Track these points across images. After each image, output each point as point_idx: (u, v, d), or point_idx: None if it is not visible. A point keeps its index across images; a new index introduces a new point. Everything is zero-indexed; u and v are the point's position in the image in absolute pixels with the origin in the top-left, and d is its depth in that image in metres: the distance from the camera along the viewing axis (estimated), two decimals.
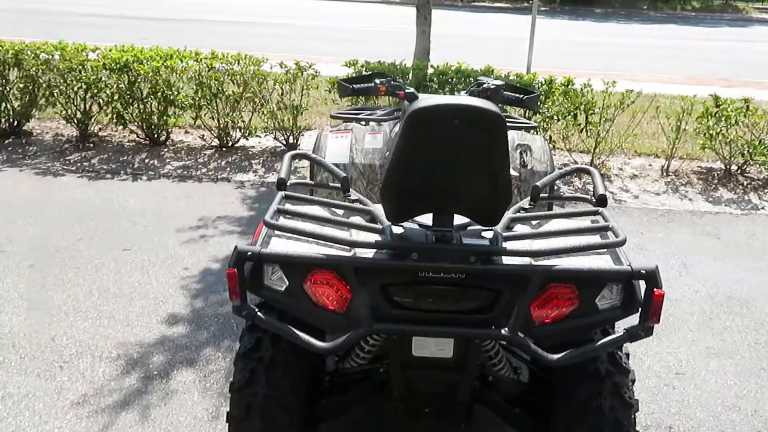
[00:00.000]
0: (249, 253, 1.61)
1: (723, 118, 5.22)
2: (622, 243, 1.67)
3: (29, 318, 3.00)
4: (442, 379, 1.84)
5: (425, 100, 1.50)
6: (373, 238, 1.69)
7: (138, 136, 5.75)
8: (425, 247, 1.61)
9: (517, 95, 2.66)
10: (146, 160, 5.40)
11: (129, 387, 2.54)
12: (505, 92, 2.66)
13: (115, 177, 5.01)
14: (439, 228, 1.66)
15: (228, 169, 5.31)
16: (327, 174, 2.62)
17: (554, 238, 1.74)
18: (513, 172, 2.74)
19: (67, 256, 3.61)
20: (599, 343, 1.63)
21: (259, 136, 5.66)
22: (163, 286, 3.35)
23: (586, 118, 5.29)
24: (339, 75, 5.77)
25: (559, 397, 1.81)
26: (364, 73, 5.40)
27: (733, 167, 5.53)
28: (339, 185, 2.09)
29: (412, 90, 2.69)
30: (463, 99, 1.55)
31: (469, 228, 1.73)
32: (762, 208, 4.97)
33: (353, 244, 1.65)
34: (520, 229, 1.87)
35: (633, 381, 1.81)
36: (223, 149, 5.67)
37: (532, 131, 3.02)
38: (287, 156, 2.12)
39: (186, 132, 6.09)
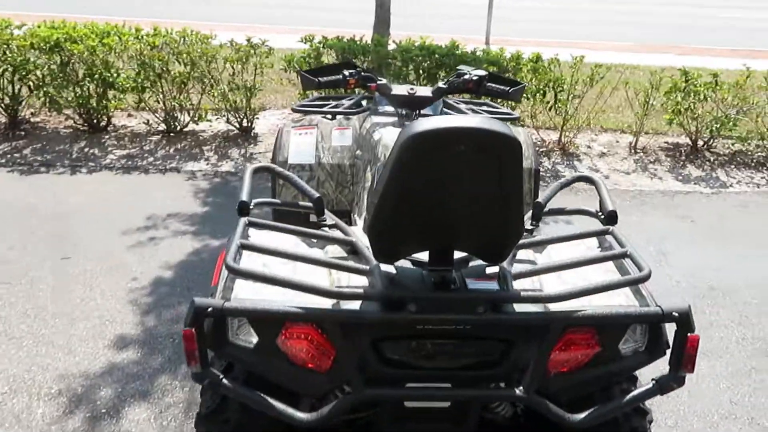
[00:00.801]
0: (210, 309, 1.33)
1: (692, 93, 5.10)
2: (647, 278, 1.45)
3: None
4: (439, 431, 1.61)
5: (424, 122, 1.23)
6: (361, 283, 1.42)
7: (75, 122, 5.26)
8: (424, 296, 1.36)
9: (502, 87, 2.41)
10: (86, 149, 4.94)
11: (73, 431, 2.24)
12: (488, 84, 2.40)
13: (51, 170, 4.56)
14: (437, 267, 1.40)
15: (177, 157, 4.91)
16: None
17: (568, 272, 1.51)
18: None
19: None
20: (626, 399, 1.43)
21: (209, 121, 5.25)
22: (110, 301, 3.01)
23: (555, 95, 5.09)
24: (294, 49, 5.39)
25: None
26: (322, 49, 5.04)
27: (700, 142, 5.45)
28: (311, 205, 1.80)
29: (384, 81, 2.42)
30: (469, 120, 1.28)
31: (471, 264, 1.48)
32: (730, 185, 4.91)
33: (338, 296, 1.38)
34: (524, 255, 1.63)
35: (651, 422, 1.63)
36: (171, 135, 5.25)
37: (514, 122, 2.79)
38: (248, 171, 1.82)
39: (129, 115, 5.62)
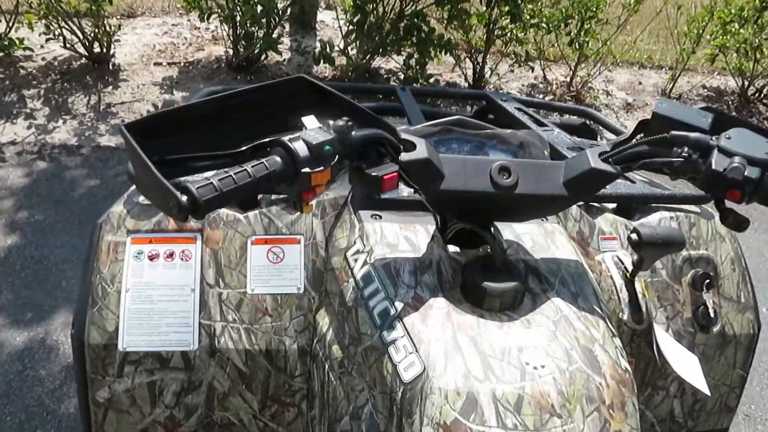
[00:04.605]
0: None
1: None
2: None
3: None
4: None
5: None
6: None
7: None
8: None
9: None
10: None
11: None
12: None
13: None
14: None
15: None
16: None
17: None
18: (678, 364, 0.95)
19: None
20: None
21: (31, 49, 3.20)
22: None
23: (582, 23, 3.41)
24: None
25: None
26: None
27: (751, 89, 4.02)
28: None
29: (421, 150, 0.71)
30: None
31: None
32: None
33: None
34: None
35: None
36: None
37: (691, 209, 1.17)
38: None
39: None
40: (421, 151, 0.73)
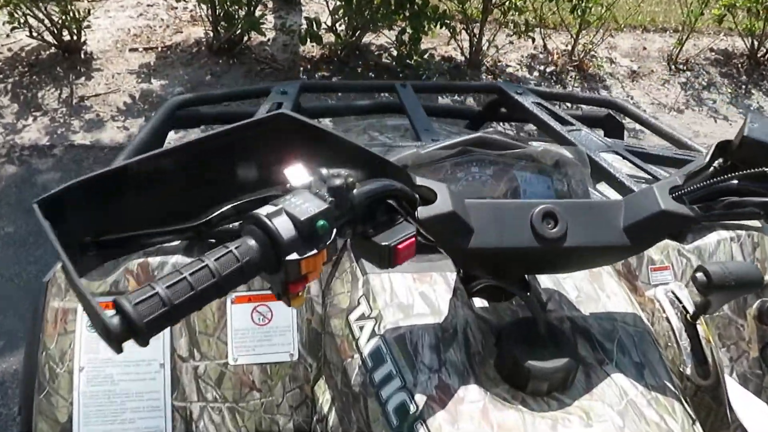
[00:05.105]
0: None
1: None
2: None
3: None
4: None
5: None
6: None
7: None
8: None
9: None
10: None
11: None
12: None
13: None
14: None
15: None
16: None
17: None
18: (751, 421, 0.79)
19: None
20: None
21: None
22: None
23: None
24: None
25: None
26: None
27: (761, 51, 3.82)
28: None
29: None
30: None
31: None
32: None
33: None
34: None
35: None
36: None
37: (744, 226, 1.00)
38: None
39: None
40: (444, 202, 0.56)
